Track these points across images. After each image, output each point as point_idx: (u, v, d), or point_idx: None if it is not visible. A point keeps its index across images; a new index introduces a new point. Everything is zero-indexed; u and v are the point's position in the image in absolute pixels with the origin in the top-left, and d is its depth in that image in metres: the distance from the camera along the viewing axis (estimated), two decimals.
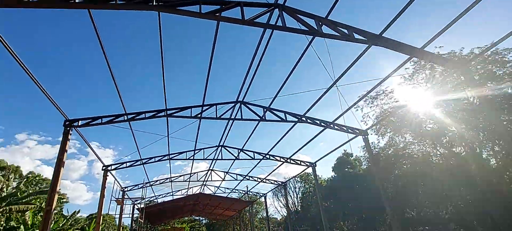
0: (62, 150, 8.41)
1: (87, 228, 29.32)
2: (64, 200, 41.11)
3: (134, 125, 11.41)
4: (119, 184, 15.72)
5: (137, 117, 9.61)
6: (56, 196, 8.09)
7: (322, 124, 12.40)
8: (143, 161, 14.30)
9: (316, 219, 36.15)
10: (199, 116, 10.33)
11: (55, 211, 27.63)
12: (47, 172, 76.09)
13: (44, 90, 7.68)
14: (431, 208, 24.50)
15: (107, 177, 13.16)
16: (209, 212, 40.58)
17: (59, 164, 8.24)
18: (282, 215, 52.64)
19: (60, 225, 24.83)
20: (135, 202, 22.55)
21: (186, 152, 15.25)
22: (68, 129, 8.74)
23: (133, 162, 14.18)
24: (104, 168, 13.23)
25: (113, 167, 13.54)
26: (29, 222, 18.92)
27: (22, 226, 18.69)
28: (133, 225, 33.99)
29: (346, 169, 29.88)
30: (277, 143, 15.17)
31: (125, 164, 13.91)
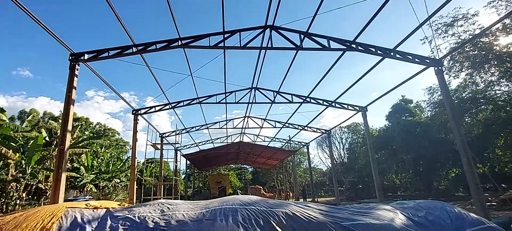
0: (70, 87, 7.61)
1: (144, 170, 32.32)
2: (126, 146, 45.91)
3: (152, 64, 10.35)
4: (154, 128, 15.56)
5: (148, 48, 8.20)
6: (69, 135, 7.40)
7: (379, 51, 9.50)
8: (172, 105, 13.51)
9: (363, 171, 33.86)
10: (221, 45, 8.42)
11: (114, 155, 30.49)
12: (115, 124, 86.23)
13: (44, 26, 6.63)
14: None
15: (138, 122, 12.74)
16: (252, 161, 41.24)
17: (68, 101, 7.52)
18: (327, 166, 51.41)
19: (118, 167, 27.51)
20: (177, 148, 23.13)
21: (216, 95, 13.97)
22: (74, 63, 7.76)
23: (162, 106, 13.51)
24: (134, 112, 12.77)
25: (142, 111, 13.01)
26: (87, 164, 20.80)
27: (82, 167, 20.70)
28: (187, 170, 37.16)
29: (404, 117, 25.99)
30: (321, 80, 12.77)
31: (154, 108, 13.31)
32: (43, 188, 16.34)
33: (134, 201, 11.75)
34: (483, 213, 7.88)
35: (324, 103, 15.17)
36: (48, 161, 17.19)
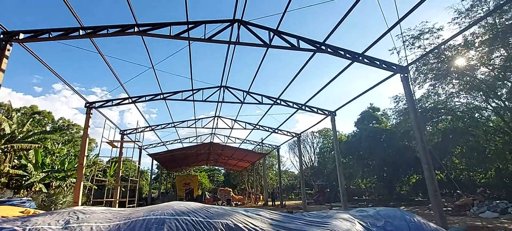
0: None
1: (107, 170, 30.05)
2: (92, 144, 42.66)
3: (112, 54, 9.31)
4: (112, 123, 14.26)
5: (99, 32, 7.24)
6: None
7: (348, 55, 9.37)
8: (133, 99, 12.43)
9: (332, 175, 34.51)
10: (184, 36, 7.71)
11: (71, 153, 27.99)
12: (81, 120, 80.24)
13: None
14: (467, 171, 21.44)
15: (91, 116, 11.50)
16: (224, 162, 40.38)
17: None
18: (298, 170, 51.87)
19: (75, 165, 25.22)
20: (141, 147, 21.71)
21: (182, 91, 13.12)
22: (5, 42, 6.61)
23: (120, 100, 12.38)
24: (87, 104, 11.51)
25: (97, 104, 11.79)
26: (36, 161, 18.71)
27: (29, 165, 18.56)
28: (158, 171, 35.23)
29: (371, 124, 26.82)
30: (291, 81, 12.46)
31: (111, 102, 12.14)
32: None
33: (79, 204, 10.51)
34: (441, 220, 7.97)
35: (294, 106, 14.94)
36: None
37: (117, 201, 15.29)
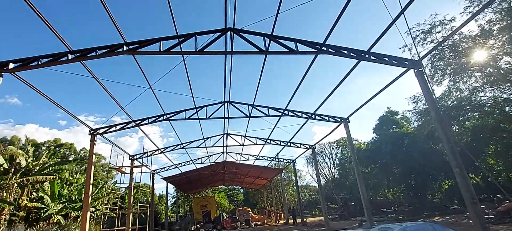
0: None
1: (125, 196, 30.18)
2: (114, 172, 43.55)
3: (108, 77, 9.21)
4: (120, 149, 14.11)
5: (88, 54, 7.10)
6: None
7: (353, 53, 8.65)
8: (136, 122, 12.24)
9: (355, 187, 32.54)
10: (174, 50, 7.40)
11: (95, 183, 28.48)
12: (105, 149, 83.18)
13: None
14: (506, 172, 19.23)
15: (95, 143, 11.38)
16: (240, 181, 39.51)
17: None
18: (315, 184, 49.75)
19: (92, 194, 25.41)
20: (154, 171, 21.52)
21: (185, 110, 12.81)
22: None
23: (124, 124, 12.23)
24: (91, 131, 11.42)
25: (101, 131, 11.69)
26: (52, 192, 18.90)
27: (46, 197, 18.76)
28: (177, 195, 35.01)
29: (391, 129, 25.22)
30: (296, 90, 11.83)
31: (114, 127, 12.01)
32: None
33: None
34: None
35: (304, 116, 14.17)
36: (3, 191, 15.39)
37: (130, 229, 14.87)
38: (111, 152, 12.97)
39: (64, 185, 21.95)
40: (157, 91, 10.87)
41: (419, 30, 16.46)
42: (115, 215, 27.36)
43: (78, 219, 21.50)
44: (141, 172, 15.13)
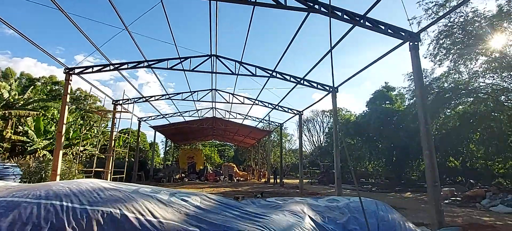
0: None
1: (117, 141, 30.64)
2: (108, 114, 43.67)
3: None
4: (102, 93, 13.75)
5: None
6: None
7: (346, 16, 7.92)
8: (115, 66, 11.68)
9: (340, 156, 33.32)
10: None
11: (78, 122, 28.43)
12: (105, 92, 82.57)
13: None
14: (485, 160, 19.47)
15: (71, 82, 10.95)
16: (230, 138, 40.15)
17: None
18: (305, 149, 50.90)
19: (80, 134, 25.70)
20: (141, 119, 21.48)
21: (168, 59, 12.17)
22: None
23: (101, 66, 11.66)
24: (66, 70, 10.92)
25: (77, 71, 11.17)
26: (37, 128, 18.91)
27: (31, 131, 18.83)
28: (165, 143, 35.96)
29: (383, 105, 24.92)
30: (286, 50, 11.18)
31: (91, 68, 11.47)
32: None
33: (58, 172, 10.25)
34: (438, 215, 6.81)
35: (292, 80, 13.67)
36: None
37: (110, 172, 15.19)
38: (90, 93, 12.56)
39: (51, 122, 21.98)
40: (139, 37, 10.19)
41: (432, 2, 15.17)
42: (104, 157, 28.11)
43: (66, 156, 21.98)
44: (129, 118, 14.93)
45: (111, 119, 15.76)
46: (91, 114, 36.27)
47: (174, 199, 3.56)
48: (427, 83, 17.44)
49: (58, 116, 24.21)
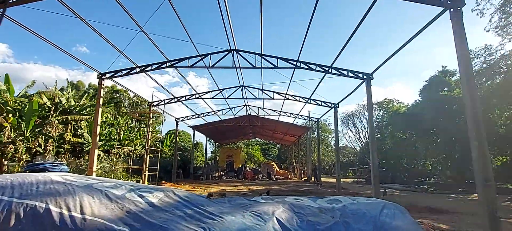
0: None
1: (165, 140, 33.06)
2: (160, 118, 47.91)
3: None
4: (134, 95, 14.68)
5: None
6: None
7: None
8: (141, 68, 12.29)
9: (390, 153, 30.13)
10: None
11: (128, 124, 31.30)
12: (159, 97, 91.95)
13: None
14: None
15: (103, 86, 11.87)
16: (269, 136, 39.76)
17: None
18: (352, 146, 47.66)
19: (130, 136, 28.26)
20: (178, 119, 22.51)
21: (188, 58, 12.32)
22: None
23: (129, 70, 12.38)
24: (99, 75, 11.87)
25: (108, 75, 12.07)
26: (90, 129, 21.22)
27: (85, 134, 21.27)
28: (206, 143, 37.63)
29: (440, 92, 21.49)
30: (306, 35, 10.29)
31: (120, 72, 12.27)
32: (41, 151, 16.99)
33: (94, 169, 11.17)
34: (492, 223, 5.25)
35: (318, 69, 12.56)
36: (47, 126, 17.75)
37: (147, 169, 16.16)
38: (124, 96, 13.46)
39: (104, 125, 24.60)
40: (162, 39, 10.50)
41: None
42: (152, 156, 30.35)
43: (117, 155, 24.37)
44: (176, 120, 15.69)
45: (147, 119, 16.72)
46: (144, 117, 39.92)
47: (129, 195, 3.29)
48: (492, 61, 14.32)
49: (111, 119, 26.97)
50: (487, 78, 14.88)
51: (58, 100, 18.77)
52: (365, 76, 12.38)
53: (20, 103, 16.79)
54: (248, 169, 28.79)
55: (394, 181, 27.06)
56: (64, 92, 20.97)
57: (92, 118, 21.25)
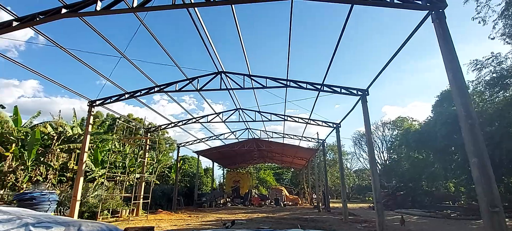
0: None
1: (173, 166, 32.85)
2: (174, 144, 48.26)
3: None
4: (126, 119, 14.63)
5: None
6: None
7: None
8: (130, 94, 12.27)
9: (407, 175, 27.96)
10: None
11: (135, 152, 31.42)
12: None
13: None
14: None
15: (93, 114, 11.87)
16: (279, 159, 38.54)
17: None
18: (365, 167, 45.22)
19: (135, 163, 28.24)
20: (179, 144, 22.27)
21: (176, 82, 12.19)
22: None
23: (118, 96, 12.38)
24: (90, 103, 11.93)
25: (98, 102, 12.10)
26: (95, 157, 21.37)
27: (89, 161, 21.36)
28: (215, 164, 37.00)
29: (453, 107, 19.96)
30: (289, 54, 9.80)
31: (110, 99, 12.28)
32: (41, 180, 17.09)
33: (78, 198, 10.83)
34: None
35: (309, 87, 11.96)
36: (49, 155, 18.00)
37: (142, 196, 15.70)
38: (117, 123, 13.40)
39: (109, 153, 24.78)
40: (152, 66, 10.49)
41: None
42: (158, 183, 29.96)
43: (122, 183, 24.23)
44: (177, 146, 15.43)
45: (144, 145, 16.51)
46: (161, 145, 40.22)
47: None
48: (503, 71, 13.10)
49: (115, 147, 27.16)
50: (500, 88, 13.57)
51: (62, 130, 19.17)
52: (360, 93, 11.59)
53: (24, 133, 17.24)
54: (255, 194, 27.61)
55: (415, 206, 24.79)
56: (72, 122, 21.50)
57: (95, 146, 21.53)
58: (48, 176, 17.70)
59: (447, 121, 17.97)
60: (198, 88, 12.13)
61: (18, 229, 2.91)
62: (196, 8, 7.46)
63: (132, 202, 14.24)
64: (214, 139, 22.97)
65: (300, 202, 29.72)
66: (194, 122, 17.60)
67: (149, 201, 15.10)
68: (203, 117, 17.53)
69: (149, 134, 16.79)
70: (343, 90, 11.77)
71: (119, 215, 14.62)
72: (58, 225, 3.16)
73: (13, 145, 16.19)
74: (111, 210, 14.57)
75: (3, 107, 16.32)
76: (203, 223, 12.96)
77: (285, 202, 27.55)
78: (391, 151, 33.78)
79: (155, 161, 30.55)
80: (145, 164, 16.90)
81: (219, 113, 17.23)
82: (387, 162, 35.89)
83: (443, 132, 18.13)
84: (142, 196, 15.73)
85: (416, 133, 21.98)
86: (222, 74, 12.15)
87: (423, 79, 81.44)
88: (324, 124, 17.27)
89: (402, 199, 26.98)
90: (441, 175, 22.91)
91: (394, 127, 36.94)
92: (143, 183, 16.28)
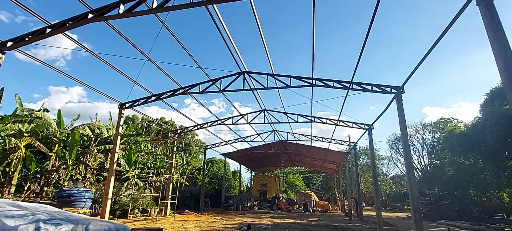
0: None
1: (202, 168, 33.68)
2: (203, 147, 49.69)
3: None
4: (154, 121, 15.10)
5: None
6: None
7: None
8: (156, 96, 12.61)
9: (451, 182, 25.28)
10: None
11: (166, 153, 32.65)
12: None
13: None
14: None
15: (123, 116, 12.41)
16: (308, 163, 37.41)
17: None
18: (403, 173, 42.03)
19: (165, 164, 29.30)
20: (206, 146, 22.57)
21: (200, 83, 12.27)
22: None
23: (146, 98, 12.80)
24: (119, 105, 12.52)
25: (127, 105, 12.63)
26: (128, 159, 22.52)
27: (123, 162, 22.56)
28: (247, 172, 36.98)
29: (505, 106, 17.59)
30: (313, 51, 9.27)
31: (138, 102, 12.74)
32: (80, 178, 18.37)
33: (109, 196, 11.31)
34: None
35: (336, 85, 11.24)
36: (88, 155, 19.30)
37: (169, 196, 16.07)
38: (145, 124, 13.88)
39: (141, 154, 26.00)
40: (176, 67, 10.73)
41: None
42: (188, 184, 30.70)
43: (153, 183, 25.24)
44: (204, 148, 15.75)
45: (171, 147, 16.93)
46: (191, 148, 41.48)
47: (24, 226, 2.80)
48: None
49: (147, 148, 28.34)
50: None
51: (99, 132, 20.48)
52: (394, 90, 10.60)
53: (65, 135, 18.73)
54: (282, 199, 26.98)
55: (461, 217, 22.25)
56: (108, 124, 22.93)
57: (128, 147, 22.66)
58: (87, 175, 18.98)
59: (499, 122, 15.85)
60: (221, 89, 12.07)
61: (29, 224, 2.95)
62: (214, 5, 7.33)
63: (160, 202, 14.58)
64: (240, 141, 22.92)
65: (330, 209, 28.41)
66: (219, 124, 17.66)
67: (176, 201, 15.37)
68: (228, 118, 17.53)
69: (176, 136, 17.18)
70: (374, 88, 10.87)
71: (148, 214, 15.08)
72: (68, 223, 3.18)
73: (56, 145, 17.64)
74: (141, 209, 15.08)
75: (47, 111, 17.79)
76: (227, 226, 12.81)
77: (314, 208, 26.50)
78: (433, 156, 30.86)
79: (184, 162, 31.48)
80: (173, 165, 17.26)
81: (245, 115, 17.06)
82: (428, 168, 32.93)
83: (495, 135, 16.00)
84: (169, 197, 16.08)
85: (462, 135, 19.73)
86: (245, 74, 11.98)
87: (468, 78, 74.20)
88: (354, 126, 16.23)
89: (447, 209, 24.39)
90: (493, 183, 20.33)
91: (436, 129, 33.82)
92: (171, 184, 16.64)
